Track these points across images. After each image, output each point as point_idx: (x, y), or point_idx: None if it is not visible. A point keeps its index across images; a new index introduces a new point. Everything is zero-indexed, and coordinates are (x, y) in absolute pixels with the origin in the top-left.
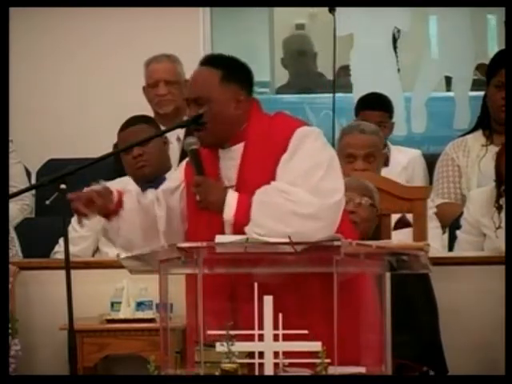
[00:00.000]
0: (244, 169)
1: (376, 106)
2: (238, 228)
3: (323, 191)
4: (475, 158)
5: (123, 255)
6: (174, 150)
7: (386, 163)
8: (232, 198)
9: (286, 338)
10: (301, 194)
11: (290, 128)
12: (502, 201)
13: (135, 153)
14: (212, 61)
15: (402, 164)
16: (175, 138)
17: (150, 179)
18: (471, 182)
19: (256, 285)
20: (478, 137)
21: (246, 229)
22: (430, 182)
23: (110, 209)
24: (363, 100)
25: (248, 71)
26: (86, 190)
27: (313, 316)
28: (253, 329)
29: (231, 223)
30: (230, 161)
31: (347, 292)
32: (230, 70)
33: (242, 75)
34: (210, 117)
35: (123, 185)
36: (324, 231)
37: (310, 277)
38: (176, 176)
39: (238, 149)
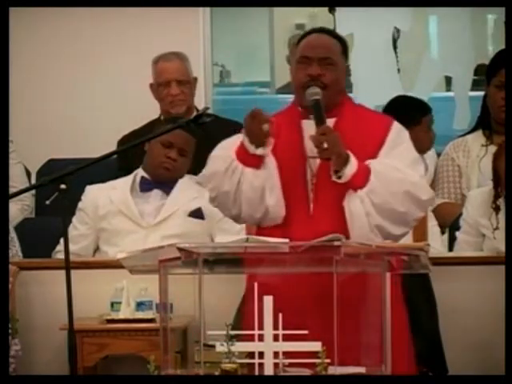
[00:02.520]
0: None
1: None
2: (350, 188)
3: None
4: (475, 157)
5: (123, 255)
6: None
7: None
8: (353, 158)
9: (286, 338)
10: (418, 178)
11: (386, 119)
12: (500, 201)
13: (172, 155)
14: (331, 32)
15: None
16: None
17: (163, 182)
18: (471, 182)
19: (256, 285)
20: (478, 137)
21: (360, 192)
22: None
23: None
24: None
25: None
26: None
27: (313, 316)
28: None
29: (346, 181)
30: None
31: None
32: (344, 46)
33: (347, 57)
34: (334, 79)
35: (111, 188)
36: (418, 221)
37: (311, 277)
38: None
39: (329, 123)
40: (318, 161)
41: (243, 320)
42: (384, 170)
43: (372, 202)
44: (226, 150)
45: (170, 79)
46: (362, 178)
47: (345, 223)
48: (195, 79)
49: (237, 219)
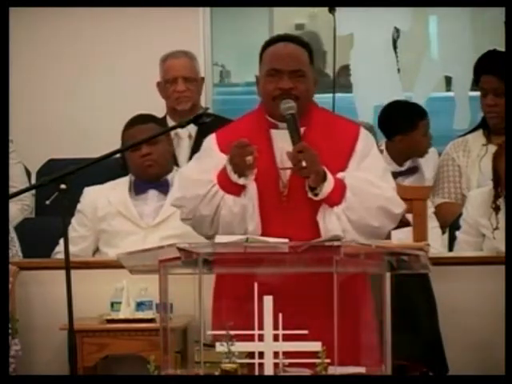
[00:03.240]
0: None
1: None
2: (326, 204)
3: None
4: (476, 157)
5: (123, 254)
6: (184, 148)
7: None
8: (330, 175)
9: (286, 338)
10: (391, 192)
11: (353, 126)
12: (499, 201)
13: (144, 151)
14: (298, 40)
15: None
16: (187, 135)
17: (153, 179)
18: (471, 182)
19: (256, 285)
20: (478, 136)
21: (336, 209)
22: None
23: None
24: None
25: None
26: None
27: (313, 316)
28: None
29: (323, 198)
30: (288, 143)
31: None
32: (311, 54)
33: (314, 64)
34: (305, 90)
35: (109, 189)
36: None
37: (311, 277)
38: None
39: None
40: (288, 172)
41: (212, 318)
42: (359, 185)
43: (349, 219)
44: (206, 174)
45: (177, 76)
46: (338, 195)
47: (318, 233)
48: (202, 79)
49: (210, 238)
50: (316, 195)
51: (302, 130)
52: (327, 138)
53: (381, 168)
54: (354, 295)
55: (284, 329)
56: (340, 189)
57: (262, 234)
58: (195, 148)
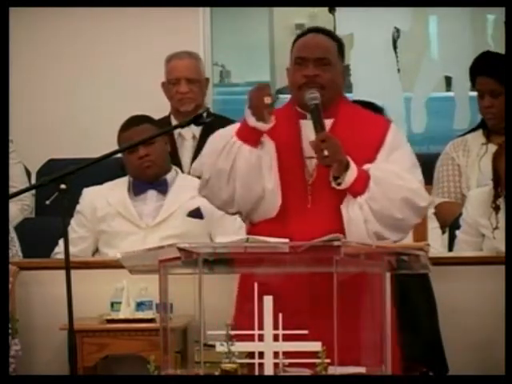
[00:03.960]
0: None
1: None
2: (349, 193)
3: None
4: (475, 157)
5: (123, 255)
6: (188, 148)
7: None
8: (353, 164)
9: (286, 338)
10: (417, 184)
11: (384, 120)
12: (499, 201)
13: (141, 153)
14: (327, 32)
15: None
16: (191, 136)
17: (152, 180)
18: (471, 182)
19: (256, 285)
20: (478, 136)
21: (359, 199)
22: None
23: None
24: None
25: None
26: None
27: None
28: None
29: (346, 187)
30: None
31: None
32: (341, 47)
33: (344, 57)
34: (330, 79)
35: (108, 189)
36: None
37: (311, 277)
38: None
39: (326, 123)
40: (314, 160)
41: (234, 318)
42: (384, 176)
43: (371, 209)
44: (225, 132)
45: (180, 77)
46: (361, 185)
47: (342, 223)
48: (207, 79)
49: (228, 205)
50: (339, 184)
51: (331, 121)
52: (356, 130)
53: (409, 161)
54: (354, 295)
55: (284, 329)
56: (363, 179)
57: (286, 221)
58: (199, 149)
